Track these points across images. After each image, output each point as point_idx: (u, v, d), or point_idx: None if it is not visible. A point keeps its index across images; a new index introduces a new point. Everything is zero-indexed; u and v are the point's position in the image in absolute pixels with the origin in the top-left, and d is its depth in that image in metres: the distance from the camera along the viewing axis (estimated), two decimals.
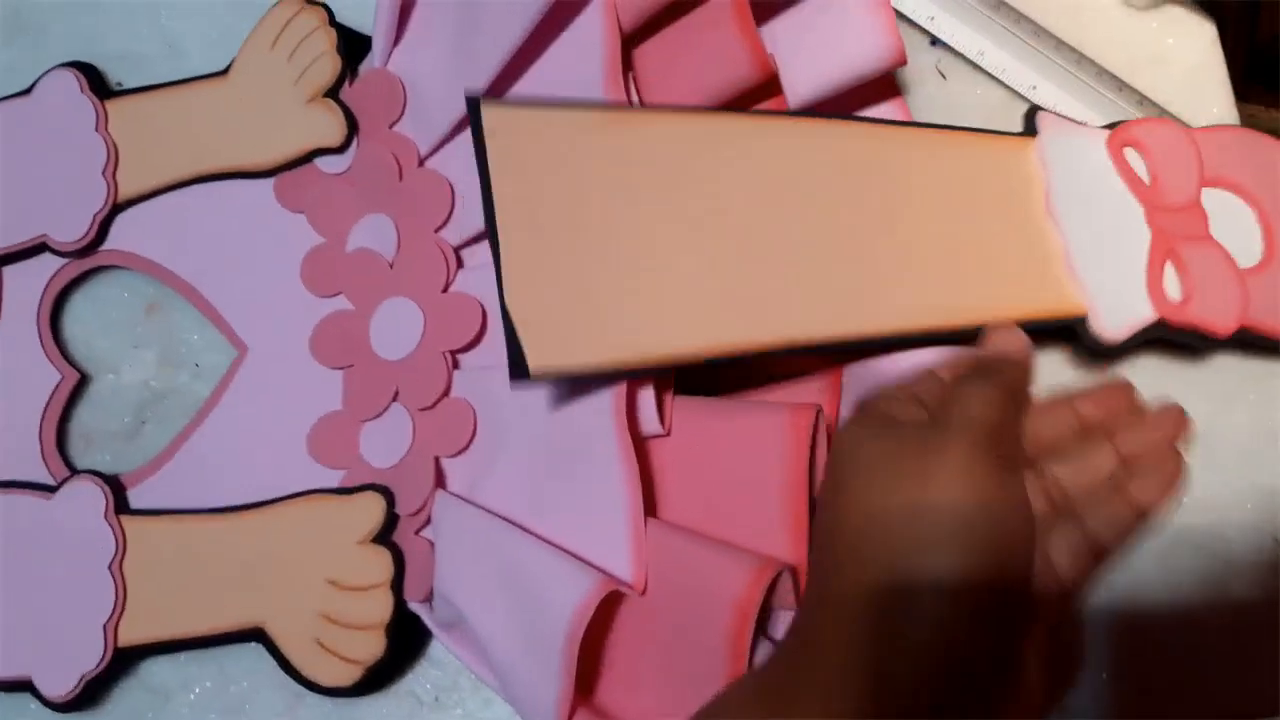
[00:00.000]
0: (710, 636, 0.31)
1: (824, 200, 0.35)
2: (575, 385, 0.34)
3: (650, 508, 0.33)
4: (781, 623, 0.33)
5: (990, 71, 0.41)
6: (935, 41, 0.42)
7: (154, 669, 0.39)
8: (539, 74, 0.37)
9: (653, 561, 0.32)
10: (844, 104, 0.40)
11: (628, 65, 0.36)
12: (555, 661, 0.31)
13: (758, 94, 0.37)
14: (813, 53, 0.38)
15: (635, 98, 0.36)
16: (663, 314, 0.32)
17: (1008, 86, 0.41)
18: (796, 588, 0.32)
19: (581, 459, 0.33)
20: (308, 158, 0.41)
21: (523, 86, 0.37)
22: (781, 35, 0.38)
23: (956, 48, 0.41)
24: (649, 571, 0.32)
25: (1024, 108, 0.41)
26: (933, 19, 0.41)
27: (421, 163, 0.39)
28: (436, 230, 0.39)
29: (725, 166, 0.34)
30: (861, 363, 0.35)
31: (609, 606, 0.32)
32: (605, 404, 0.33)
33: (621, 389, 0.33)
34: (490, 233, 0.32)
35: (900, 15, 0.40)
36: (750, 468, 0.33)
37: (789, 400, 0.35)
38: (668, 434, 0.34)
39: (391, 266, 0.39)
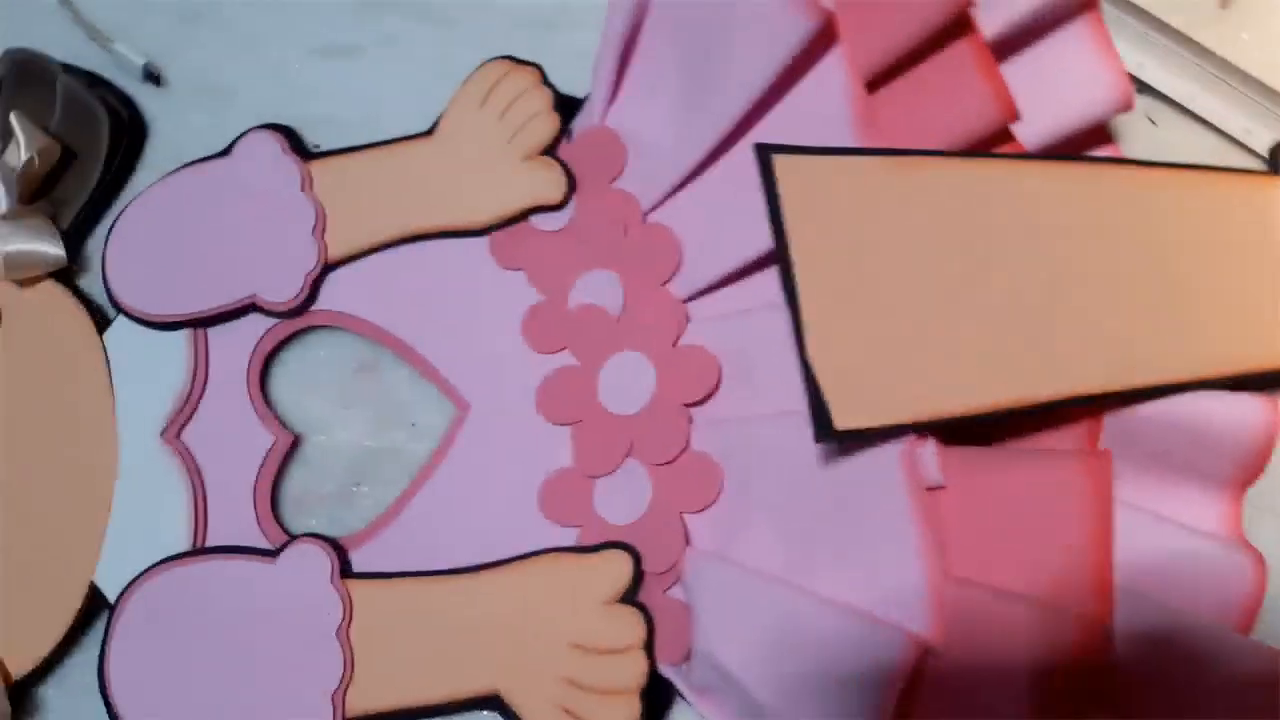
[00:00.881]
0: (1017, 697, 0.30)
1: (1096, 245, 0.34)
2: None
3: None
4: None
5: (1202, 116, 0.41)
6: (1143, 88, 0.42)
7: None
8: (776, 123, 0.37)
9: (950, 619, 0.31)
10: (1064, 150, 0.40)
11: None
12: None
13: (993, 139, 0.37)
14: (1043, 97, 0.38)
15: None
16: (954, 366, 0.32)
17: (1220, 131, 0.41)
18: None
19: (859, 512, 0.33)
20: (524, 215, 0.40)
21: (758, 136, 0.37)
22: (1009, 80, 0.38)
23: (1166, 93, 0.41)
24: (948, 628, 0.31)
25: (1237, 153, 0.41)
26: (1141, 65, 0.41)
27: (644, 217, 0.39)
28: (663, 284, 0.38)
29: (1002, 212, 0.34)
30: (1123, 410, 0.35)
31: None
32: (891, 456, 0.32)
33: (910, 440, 0.32)
34: (786, 284, 0.32)
35: None
36: (1047, 518, 0.32)
37: (1055, 446, 0.35)
38: (943, 486, 0.33)
39: (618, 322, 0.38)
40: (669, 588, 0.36)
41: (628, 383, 0.38)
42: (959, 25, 0.37)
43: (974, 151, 0.36)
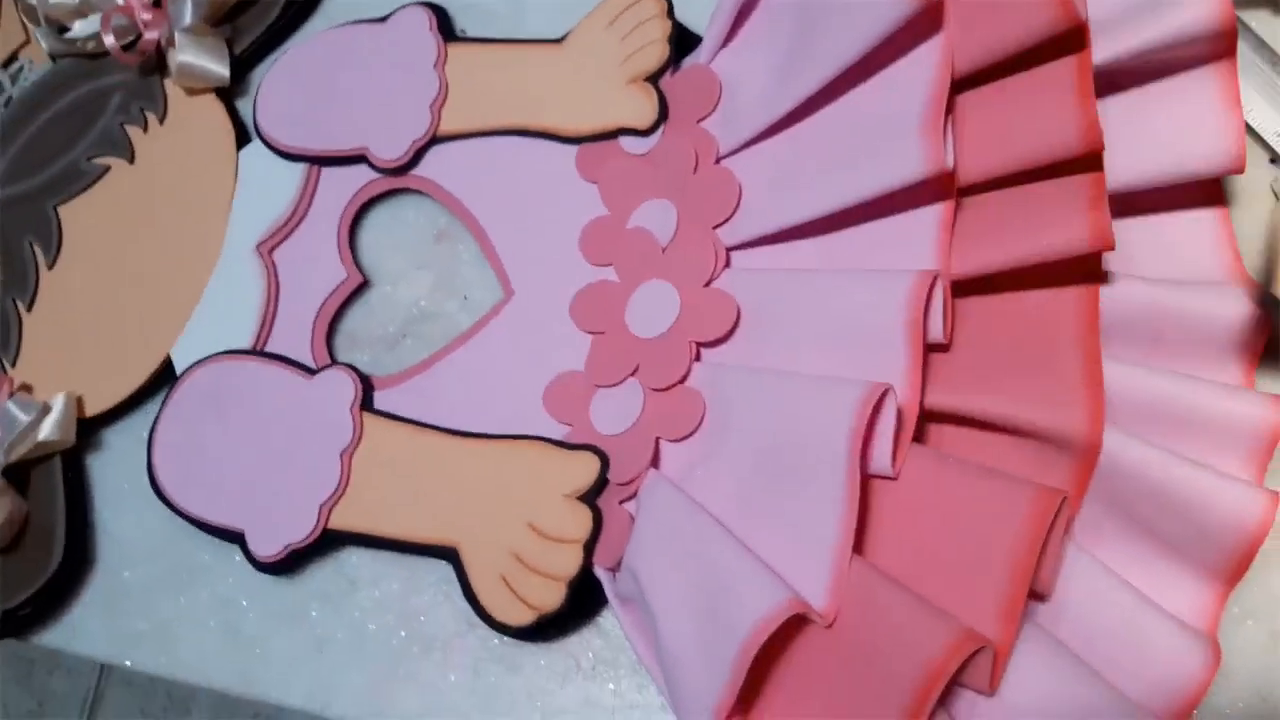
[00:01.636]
0: (891, 690, 0.30)
1: None
2: (815, 405, 0.34)
3: (858, 546, 0.33)
4: (965, 702, 0.32)
5: None
6: (1276, 159, 0.39)
7: (351, 557, 0.42)
8: (857, 99, 0.38)
9: (848, 599, 0.32)
10: (1156, 201, 0.38)
11: (950, 108, 0.36)
12: (725, 664, 0.31)
13: (1075, 166, 0.36)
14: (1143, 138, 0.37)
15: (950, 142, 0.35)
16: None
17: None
18: (992, 672, 0.30)
19: (802, 478, 0.34)
20: (614, 134, 0.43)
21: (839, 109, 0.38)
22: (1113, 111, 0.37)
23: None
24: (842, 607, 0.32)
25: None
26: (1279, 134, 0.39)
27: (718, 161, 0.41)
28: (715, 227, 0.40)
29: None
30: (1120, 474, 0.34)
31: (790, 628, 0.32)
32: (842, 432, 0.33)
33: (863, 420, 0.32)
34: None
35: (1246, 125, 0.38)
36: (977, 536, 0.32)
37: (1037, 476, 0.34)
38: (895, 478, 0.34)
39: (663, 251, 0.40)
40: (625, 500, 0.38)
41: (653, 309, 0.40)
42: (1069, 40, 0.36)
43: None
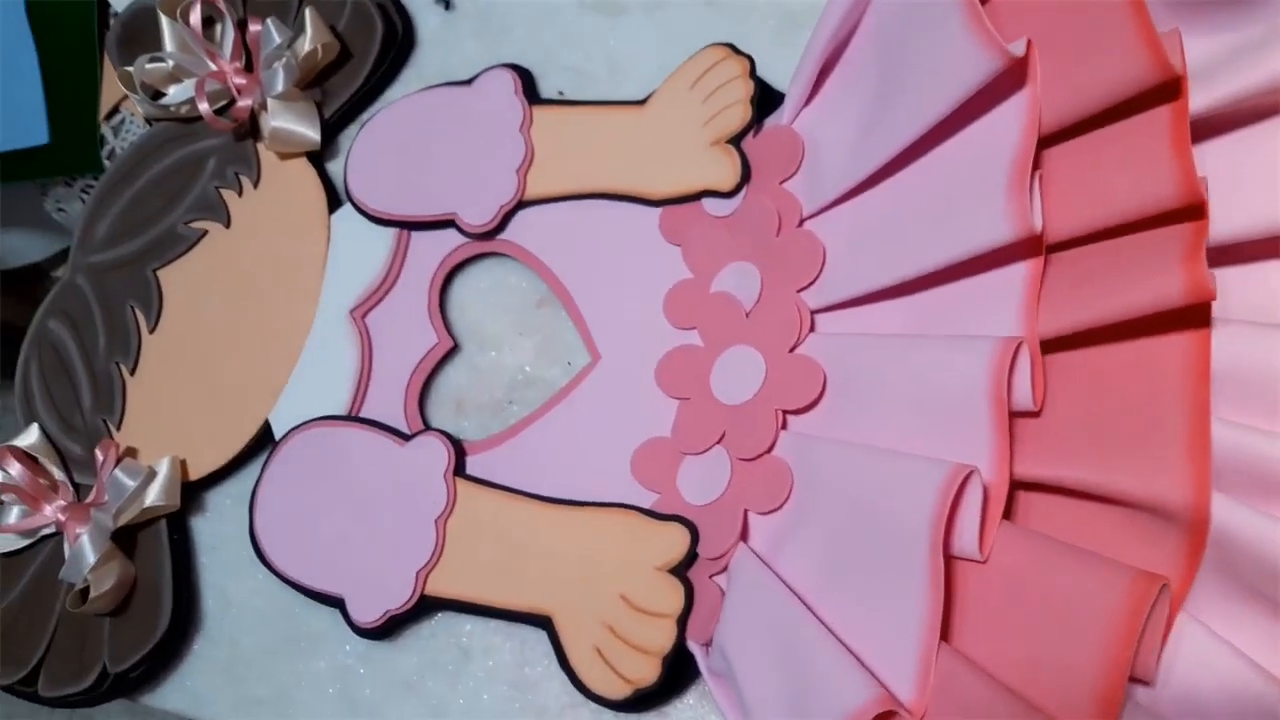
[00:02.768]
0: None
1: None
2: (898, 485, 0.34)
3: (946, 632, 0.32)
4: None
5: None
6: None
7: (465, 625, 0.42)
8: (942, 157, 0.37)
9: (937, 692, 0.31)
10: (1258, 249, 0.37)
11: (1038, 163, 0.35)
12: None
13: (1176, 218, 0.35)
14: (1247, 187, 0.35)
15: (1038, 200, 0.34)
16: None
17: None
18: None
19: (885, 562, 0.33)
20: (697, 196, 0.42)
21: (923, 169, 0.37)
22: (1212, 157, 0.35)
23: None
24: (931, 699, 0.31)
25: None
26: None
27: (801, 223, 0.40)
28: (799, 290, 0.40)
29: None
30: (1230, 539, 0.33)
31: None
32: (924, 516, 0.32)
33: (946, 503, 0.32)
34: None
35: None
36: (1071, 625, 0.31)
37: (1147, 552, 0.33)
38: (984, 561, 0.33)
39: (748, 315, 0.40)
40: (716, 574, 0.38)
41: (738, 375, 0.40)
42: (1165, 89, 0.35)
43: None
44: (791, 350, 0.39)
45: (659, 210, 0.43)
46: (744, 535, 0.38)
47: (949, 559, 0.33)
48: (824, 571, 0.35)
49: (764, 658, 0.34)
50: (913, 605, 0.32)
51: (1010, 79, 0.36)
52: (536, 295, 0.46)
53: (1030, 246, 0.35)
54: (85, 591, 0.44)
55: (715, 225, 0.42)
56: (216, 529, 0.46)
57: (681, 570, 0.38)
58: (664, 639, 0.37)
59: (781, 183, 0.41)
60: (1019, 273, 0.36)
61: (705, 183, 0.42)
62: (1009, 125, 0.36)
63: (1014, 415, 0.34)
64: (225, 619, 0.46)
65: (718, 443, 0.39)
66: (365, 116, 0.49)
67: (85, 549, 0.43)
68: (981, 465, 0.33)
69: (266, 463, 0.45)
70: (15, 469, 0.46)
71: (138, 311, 0.49)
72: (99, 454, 0.45)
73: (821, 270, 0.39)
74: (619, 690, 0.38)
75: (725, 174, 0.42)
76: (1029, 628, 0.32)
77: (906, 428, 0.36)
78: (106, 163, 0.55)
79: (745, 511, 0.38)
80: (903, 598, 0.32)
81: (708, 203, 0.42)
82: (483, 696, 0.42)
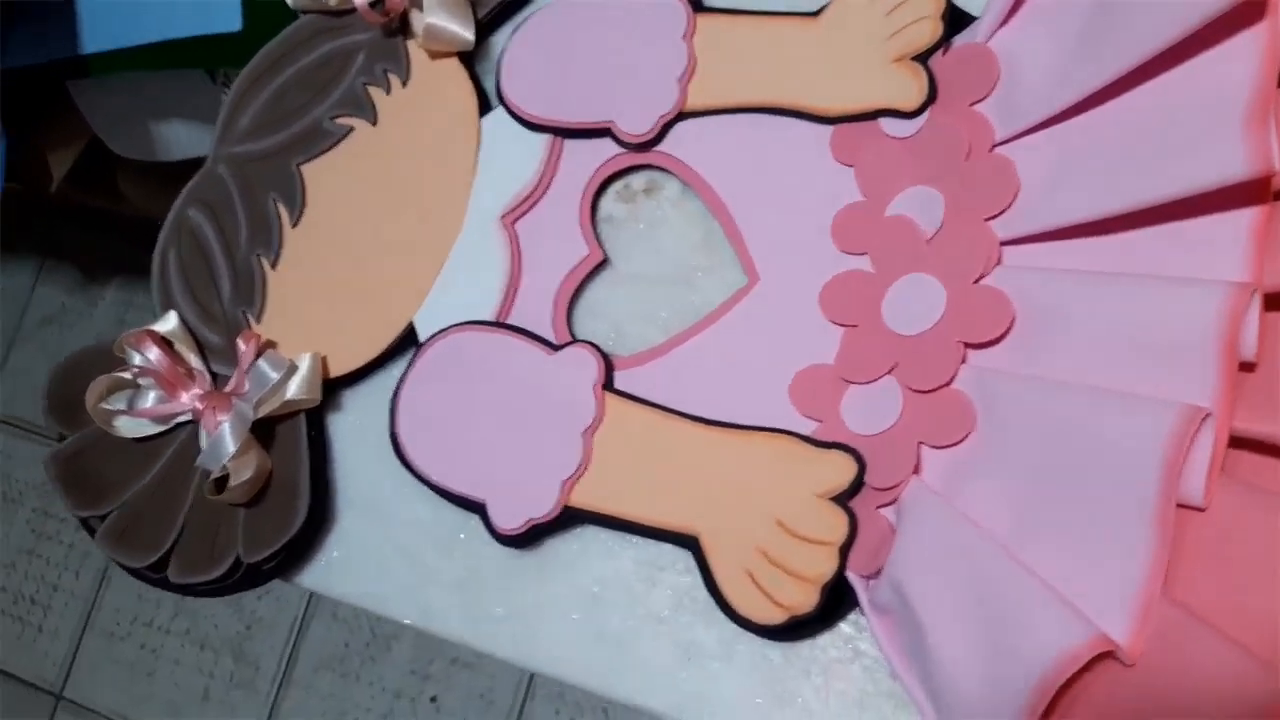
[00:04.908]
0: None
1: None
2: (1119, 425, 0.32)
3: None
4: None
5: None
6: None
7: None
8: (1163, 88, 0.35)
9: (1157, 637, 0.30)
10: None
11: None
12: (1016, 697, 0.30)
13: None
14: None
15: (1274, 136, 0.32)
16: None
17: None
18: None
19: (1099, 504, 0.32)
20: (874, 115, 0.41)
21: (1140, 97, 0.35)
22: None
23: None
24: (1148, 646, 0.30)
25: None
26: None
27: (993, 149, 0.38)
28: (987, 219, 0.38)
29: None
30: None
31: (1087, 666, 0.30)
32: (1156, 454, 0.31)
33: (1182, 446, 0.30)
34: None
35: None
36: None
37: None
38: (1204, 509, 0.32)
39: (928, 242, 0.38)
40: (882, 505, 0.37)
41: (915, 304, 0.38)
42: None
43: None
44: (976, 281, 0.37)
45: (831, 128, 0.41)
46: (917, 469, 0.37)
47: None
48: (1018, 510, 0.34)
49: (949, 591, 0.33)
50: (1136, 548, 0.31)
51: (1249, 12, 0.33)
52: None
53: (1257, 191, 0.33)
54: (220, 481, 0.43)
55: (894, 146, 0.40)
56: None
57: (845, 498, 0.37)
58: (824, 566, 0.36)
59: (972, 105, 0.39)
60: (1243, 219, 0.34)
61: (885, 100, 0.40)
62: (1245, 58, 0.33)
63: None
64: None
65: (888, 373, 0.38)
66: (519, 18, 0.48)
67: (225, 437, 0.43)
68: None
69: (411, 364, 0.44)
70: (154, 353, 0.45)
71: (280, 205, 0.48)
72: (241, 344, 0.45)
73: (1014, 199, 0.37)
74: (772, 615, 0.37)
75: (909, 92, 0.40)
76: (1245, 580, 0.30)
77: (1113, 371, 0.34)
78: None
79: (919, 444, 0.37)
80: (1121, 540, 0.31)
81: (886, 123, 0.40)
82: (739, 642, 0.39)
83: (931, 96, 0.40)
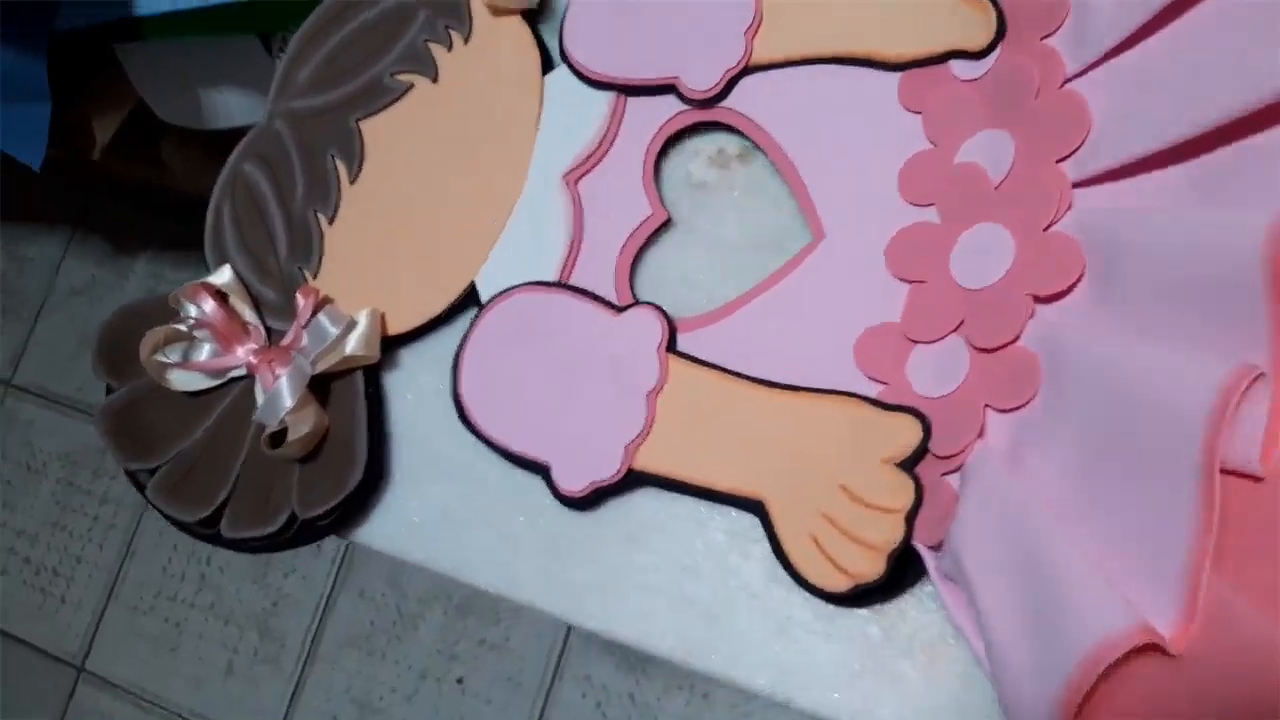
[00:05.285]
0: None
1: None
2: (1167, 383, 0.31)
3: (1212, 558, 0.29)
4: None
5: None
6: None
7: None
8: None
9: (1207, 621, 0.29)
10: None
11: None
12: (1058, 680, 0.29)
13: None
14: None
15: None
16: None
17: None
18: None
19: (1148, 470, 0.30)
20: (943, 58, 0.39)
21: (1208, 12, 0.34)
22: None
23: None
24: (1199, 631, 0.29)
25: None
26: None
27: (1064, 84, 0.37)
28: (1058, 161, 0.36)
29: None
30: None
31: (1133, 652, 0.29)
32: (1199, 413, 0.29)
33: (1227, 405, 0.28)
34: None
35: None
36: None
37: None
38: (1261, 478, 0.30)
39: (996, 189, 0.37)
40: (948, 472, 0.36)
41: (983, 255, 0.37)
42: None
43: None
44: (1047, 229, 0.36)
45: (898, 76, 0.40)
46: (981, 433, 0.36)
47: (1223, 474, 0.29)
48: (1075, 478, 0.33)
49: (1003, 568, 0.32)
50: (1179, 524, 0.29)
51: None
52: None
53: None
54: (276, 436, 0.43)
55: (963, 89, 0.39)
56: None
57: (910, 464, 0.36)
58: (890, 534, 0.36)
59: (1043, 38, 0.37)
60: None
61: (953, 41, 0.39)
62: None
63: None
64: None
65: (954, 331, 0.37)
66: None
67: (283, 391, 0.43)
68: (1261, 360, 0.30)
69: (474, 324, 0.44)
70: (209, 306, 0.45)
71: (338, 161, 0.48)
72: (300, 299, 0.45)
73: (1085, 137, 0.36)
74: (837, 583, 0.36)
75: (977, 30, 0.38)
76: None
77: (1174, 320, 0.32)
78: None
79: (985, 407, 0.36)
80: (1167, 513, 0.29)
81: (955, 65, 0.39)
82: (838, 618, 0.38)
83: (1001, 32, 0.38)
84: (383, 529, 0.45)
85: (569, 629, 1.02)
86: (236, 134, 0.51)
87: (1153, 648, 0.29)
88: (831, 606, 0.37)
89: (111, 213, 1.28)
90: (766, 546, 0.39)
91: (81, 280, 1.28)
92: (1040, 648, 0.30)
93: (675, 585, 0.40)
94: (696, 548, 0.40)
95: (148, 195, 0.96)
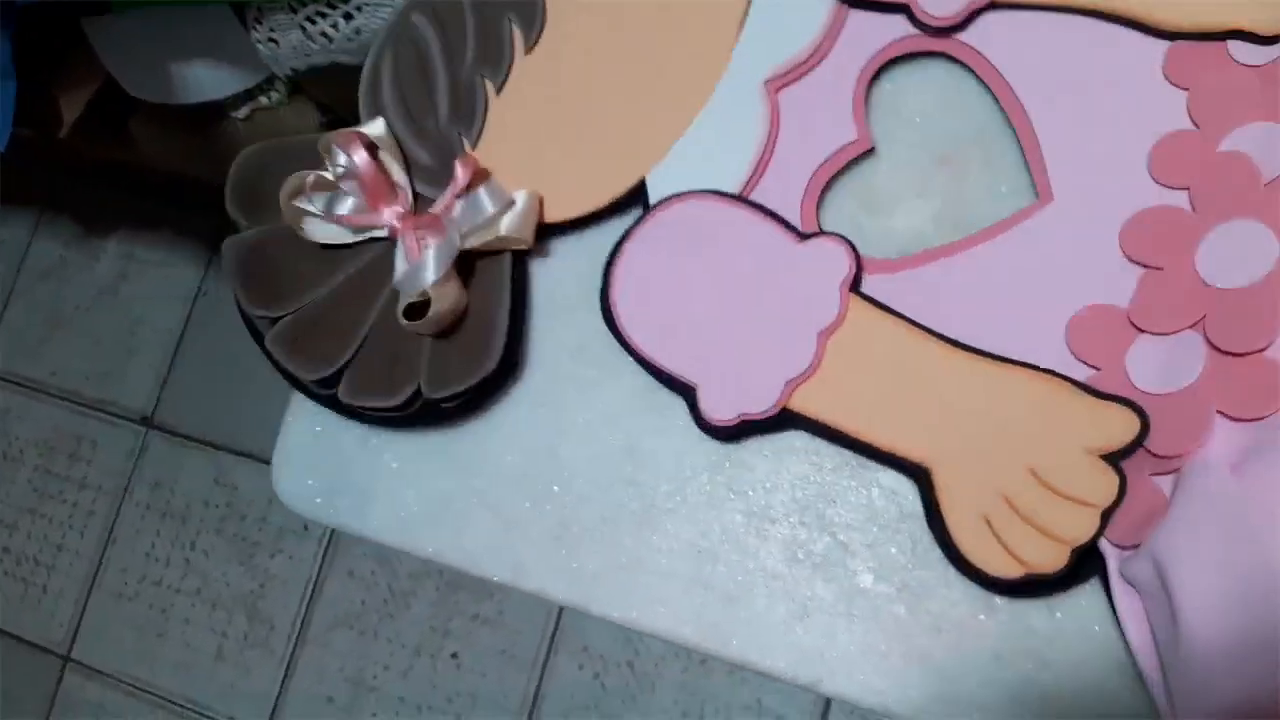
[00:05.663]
0: None
1: None
2: None
3: None
4: None
5: None
6: None
7: (841, 514, 0.37)
8: None
9: None
10: None
11: None
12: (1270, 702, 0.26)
13: None
14: None
15: None
16: None
17: None
18: None
19: None
20: (1225, 35, 0.35)
21: None
22: None
23: None
24: None
25: None
26: None
27: None
28: None
29: None
30: None
31: None
32: None
33: None
34: None
35: None
36: None
37: None
38: None
39: (1264, 185, 0.33)
40: (1158, 473, 0.33)
41: (1238, 253, 0.33)
42: None
43: None
44: None
45: (1168, 45, 0.36)
46: (1205, 439, 0.32)
47: None
48: None
49: (1221, 592, 0.29)
50: None
51: None
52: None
53: None
54: (413, 309, 0.40)
55: (1242, 74, 0.35)
56: (562, 279, 0.42)
57: (1118, 458, 0.33)
58: (1081, 528, 0.33)
59: None
60: None
61: (1242, 20, 0.35)
62: None
63: None
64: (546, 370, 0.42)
65: (1192, 327, 0.33)
66: None
67: (430, 262, 0.40)
68: None
69: (639, 224, 0.40)
70: (360, 157, 0.42)
71: (516, 26, 0.44)
72: (458, 167, 0.42)
73: None
74: (1009, 569, 0.33)
75: (1268, 12, 0.34)
76: None
77: None
78: None
79: (1215, 411, 0.32)
80: None
81: (1235, 46, 0.35)
82: (861, 598, 0.36)
83: None
84: (379, 519, 0.43)
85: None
86: (208, 108, 0.47)
87: None
88: (855, 587, 0.36)
89: (80, 193, 1.24)
90: (784, 529, 0.37)
91: (50, 262, 1.23)
92: (1252, 666, 0.28)
93: (691, 569, 0.38)
94: (713, 530, 0.38)
95: (118, 174, 0.93)
